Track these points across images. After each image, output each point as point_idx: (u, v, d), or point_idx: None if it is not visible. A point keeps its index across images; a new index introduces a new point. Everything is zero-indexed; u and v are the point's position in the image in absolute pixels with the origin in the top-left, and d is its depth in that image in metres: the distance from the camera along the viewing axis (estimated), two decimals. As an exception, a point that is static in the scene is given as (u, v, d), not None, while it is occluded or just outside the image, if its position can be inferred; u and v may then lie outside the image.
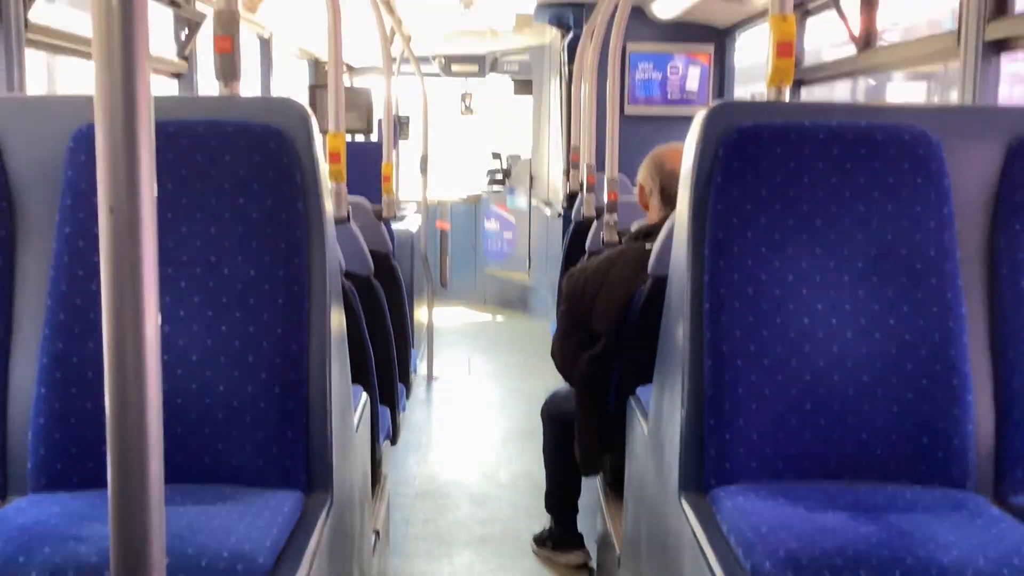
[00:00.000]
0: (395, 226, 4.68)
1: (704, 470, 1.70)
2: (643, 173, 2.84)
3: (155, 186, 0.80)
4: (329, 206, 1.85)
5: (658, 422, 2.01)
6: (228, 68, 1.91)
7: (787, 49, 1.85)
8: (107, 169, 0.78)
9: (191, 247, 1.70)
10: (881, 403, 1.71)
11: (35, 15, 2.71)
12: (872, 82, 4.42)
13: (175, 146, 1.71)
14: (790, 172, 1.74)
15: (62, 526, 1.42)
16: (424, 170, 6.22)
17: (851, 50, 3.82)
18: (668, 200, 2.77)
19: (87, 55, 3.11)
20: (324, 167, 1.85)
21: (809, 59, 4.47)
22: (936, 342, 1.71)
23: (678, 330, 1.81)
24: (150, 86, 0.79)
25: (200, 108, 1.83)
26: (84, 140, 1.71)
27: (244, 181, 1.71)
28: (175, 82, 4.11)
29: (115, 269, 0.79)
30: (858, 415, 1.70)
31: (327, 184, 1.85)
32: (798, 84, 4.52)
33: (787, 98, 1.92)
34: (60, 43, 2.94)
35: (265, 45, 5.70)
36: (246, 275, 1.70)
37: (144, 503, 0.84)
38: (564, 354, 2.84)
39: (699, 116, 1.82)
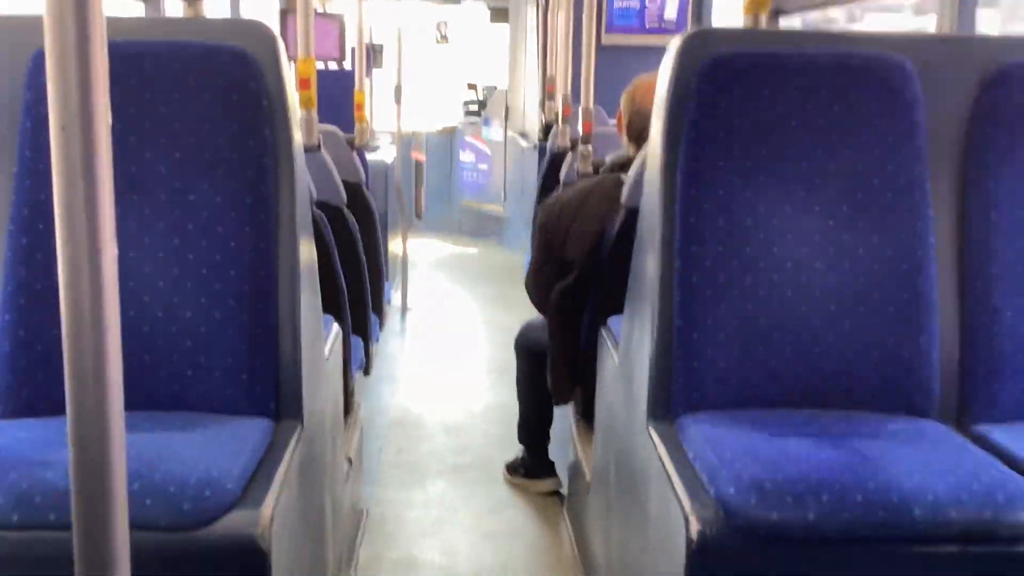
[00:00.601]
0: (369, 157, 4.63)
1: (672, 399, 1.72)
2: (622, 102, 2.82)
3: (108, 101, 0.78)
4: (298, 133, 1.82)
5: (628, 352, 2.02)
6: (192, -13, 1.86)
7: (764, -25, 1.82)
8: (57, 84, 0.76)
9: (155, 173, 1.67)
10: (848, 333, 1.72)
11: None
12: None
13: (137, 68, 1.67)
14: (764, 101, 1.73)
15: (28, 452, 1.42)
16: (398, 100, 6.13)
17: None
18: (632, 136, 2.76)
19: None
20: (293, 93, 1.81)
21: None
22: (904, 272, 1.72)
23: (649, 260, 1.81)
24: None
25: (163, 29, 1.79)
26: (44, 61, 1.66)
27: (209, 105, 1.67)
28: (141, 5, 4.00)
29: (68, 189, 0.77)
30: (825, 344, 1.72)
31: (296, 110, 1.82)
32: (776, 14, 4.47)
33: (764, 26, 1.89)
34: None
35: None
36: (212, 202, 1.67)
37: (103, 428, 0.84)
38: (538, 284, 2.84)
39: (674, 43, 1.80)
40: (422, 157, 8.33)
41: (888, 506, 1.38)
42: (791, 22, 3.78)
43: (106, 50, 0.78)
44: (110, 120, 0.78)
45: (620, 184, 2.56)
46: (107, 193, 0.79)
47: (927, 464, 1.46)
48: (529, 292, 2.92)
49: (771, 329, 1.71)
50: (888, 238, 1.73)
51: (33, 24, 1.77)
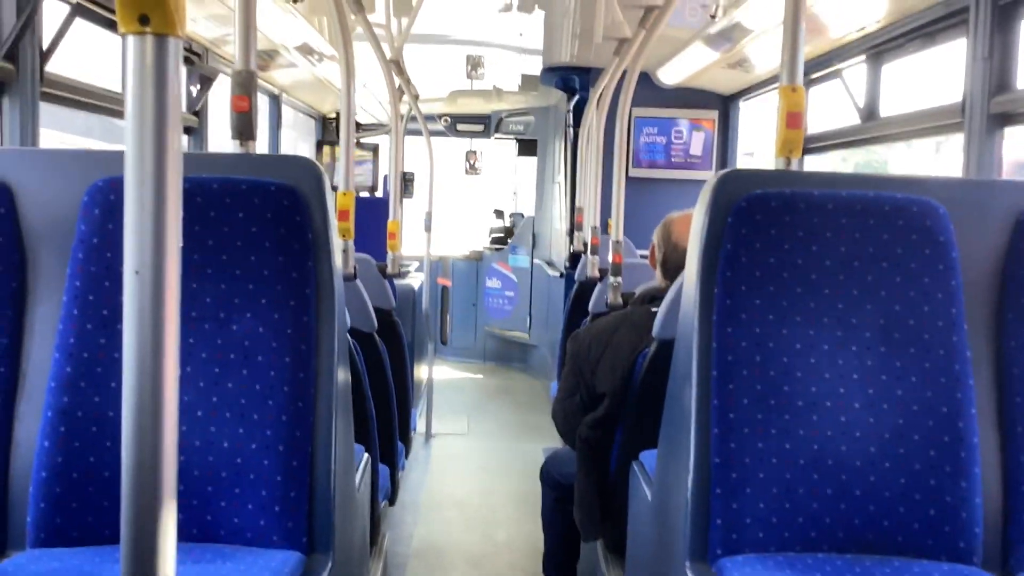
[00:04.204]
0: (397, 282, 4.70)
1: (710, 539, 1.69)
2: (656, 236, 2.86)
3: (180, 251, 0.81)
4: (339, 264, 1.85)
5: (663, 488, 1.99)
6: (245, 127, 1.93)
7: (796, 120, 1.88)
8: (134, 232, 0.79)
9: (201, 303, 1.70)
10: (888, 474, 1.70)
11: (52, 68, 2.74)
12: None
13: (189, 203, 1.72)
14: (799, 241, 1.75)
15: None
16: (429, 227, 6.25)
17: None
18: (667, 272, 2.80)
19: (104, 110, 3.15)
20: (335, 225, 1.86)
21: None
22: (944, 414, 1.71)
23: (685, 396, 1.80)
24: (181, 150, 0.80)
25: (215, 165, 1.85)
26: (99, 195, 1.72)
27: (256, 238, 1.72)
28: (185, 137, 4.15)
29: (138, 331, 0.79)
30: (865, 486, 1.69)
31: (337, 241, 1.86)
32: (803, 152, 4.57)
33: (795, 167, 1.94)
34: (75, 97, 2.97)
35: (275, 102, 5.77)
36: (254, 332, 1.70)
37: (155, 563, 0.84)
38: (566, 415, 2.82)
39: (709, 183, 1.84)
40: (448, 283, 8.43)
41: (938, 660, 1.33)
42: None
43: (181, 200, 0.81)
44: (180, 265, 0.81)
45: (651, 316, 2.57)
46: (173, 335, 0.81)
47: (976, 615, 1.41)
48: (556, 422, 2.90)
49: (810, 469, 1.69)
50: (926, 379, 1.72)
51: (88, 158, 1.85)
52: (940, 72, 3.36)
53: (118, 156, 1.93)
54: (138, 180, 0.79)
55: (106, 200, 1.70)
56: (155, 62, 0.80)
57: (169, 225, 0.80)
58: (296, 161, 1.84)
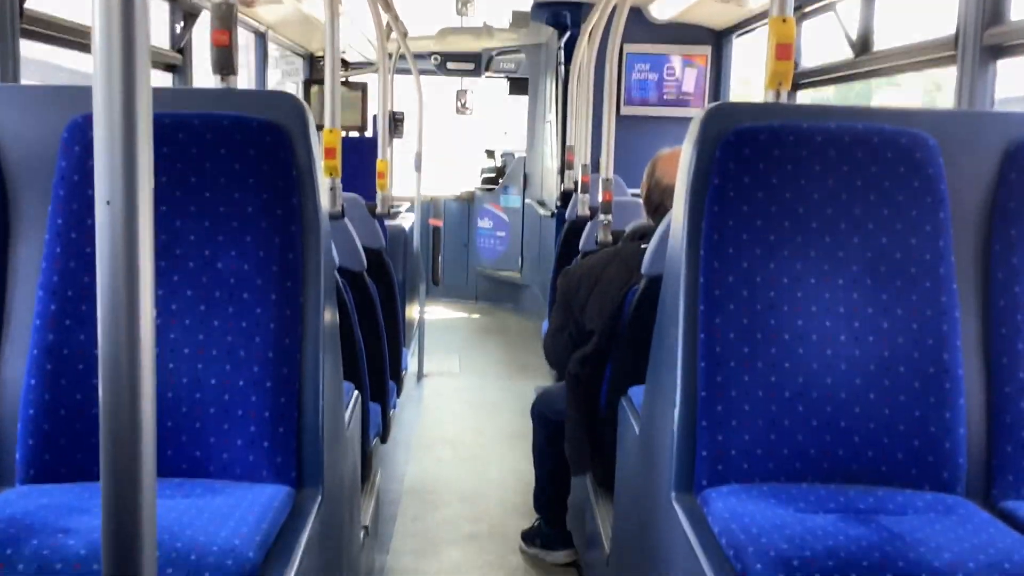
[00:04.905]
0: (388, 222, 4.68)
1: (696, 471, 1.70)
2: (645, 173, 2.86)
3: (152, 178, 0.80)
4: (325, 202, 1.84)
5: (650, 422, 2.01)
6: (225, 62, 1.90)
7: (786, 51, 1.85)
8: (104, 161, 0.78)
9: (184, 241, 1.69)
10: (873, 406, 1.71)
11: (31, 3, 2.69)
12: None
13: (170, 139, 1.70)
14: (787, 174, 1.74)
15: (50, 518, 1.41)
16: (418, 167, 6.21)
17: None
18: (650, 208, 2.79)
19: (83, 46, 3.09)
20: (320, 162, 1.84)
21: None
22: (929, 345, 1.72)
23: (672, 331, 1.81)
24: (150, 78, 0.78)
25: (196, 101, 1.83)
26: (79, 131, 1.69)
27: (239, 175, 1.70)
28: (169, 75, 4.09)
29: (110, 262, 0.78)
30: (850, 417, 1.71)
31: (323, 179, 1.84)
32: (795, 87, 4.53)
33: (785, 100, 1.92)
34: (55, 34, 2.92)
35: (260, 39, 5.68)
36: (239, 269, 1.69)
37: (136, 496, 0.84)
38: (556, 349, 2.85)
39: (697, 117, 1.82)
40: (440, 223, 8.40)
41: (918, 585, 1.35)
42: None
43: (151, 127, 0.80)
44: (152, 193, 0.80)
45: (640, 253, 2.57)
46: (148, 266, 0.80)
47: (957, 542, 1.44)
48: (547, 354, 2.93)
49: (796, 401, 1.70)
50: (912, 311, 1.72)
51: (69, 94, 1.82)
52: (933, 4, 3.31)
53: (98, 92, 1.90)
54: (107, 106, 0.77)
55: (85, 136, 1.68)
56: None
57: (140, 153, 0.78)
58: (279, 97, 1.82)
